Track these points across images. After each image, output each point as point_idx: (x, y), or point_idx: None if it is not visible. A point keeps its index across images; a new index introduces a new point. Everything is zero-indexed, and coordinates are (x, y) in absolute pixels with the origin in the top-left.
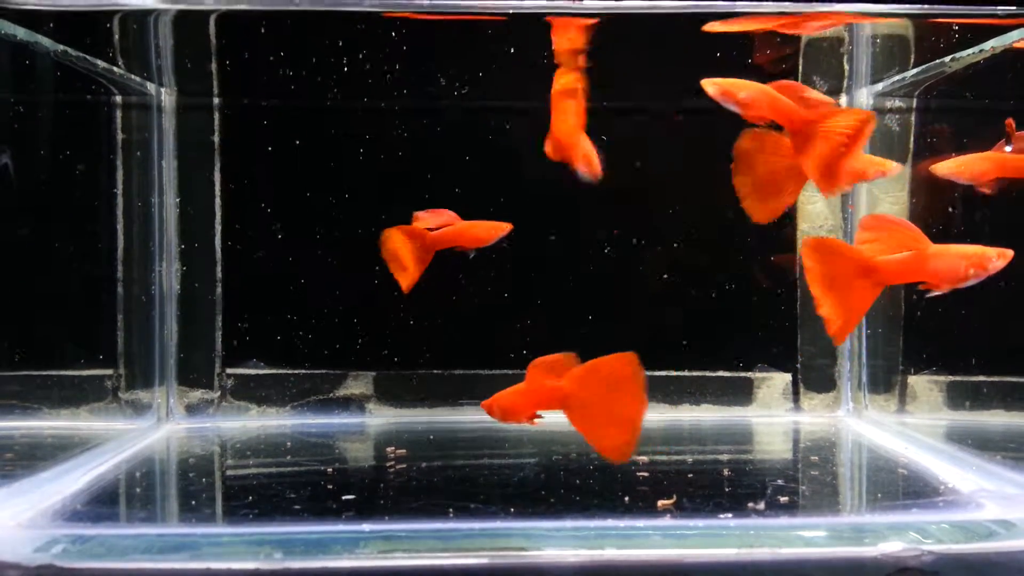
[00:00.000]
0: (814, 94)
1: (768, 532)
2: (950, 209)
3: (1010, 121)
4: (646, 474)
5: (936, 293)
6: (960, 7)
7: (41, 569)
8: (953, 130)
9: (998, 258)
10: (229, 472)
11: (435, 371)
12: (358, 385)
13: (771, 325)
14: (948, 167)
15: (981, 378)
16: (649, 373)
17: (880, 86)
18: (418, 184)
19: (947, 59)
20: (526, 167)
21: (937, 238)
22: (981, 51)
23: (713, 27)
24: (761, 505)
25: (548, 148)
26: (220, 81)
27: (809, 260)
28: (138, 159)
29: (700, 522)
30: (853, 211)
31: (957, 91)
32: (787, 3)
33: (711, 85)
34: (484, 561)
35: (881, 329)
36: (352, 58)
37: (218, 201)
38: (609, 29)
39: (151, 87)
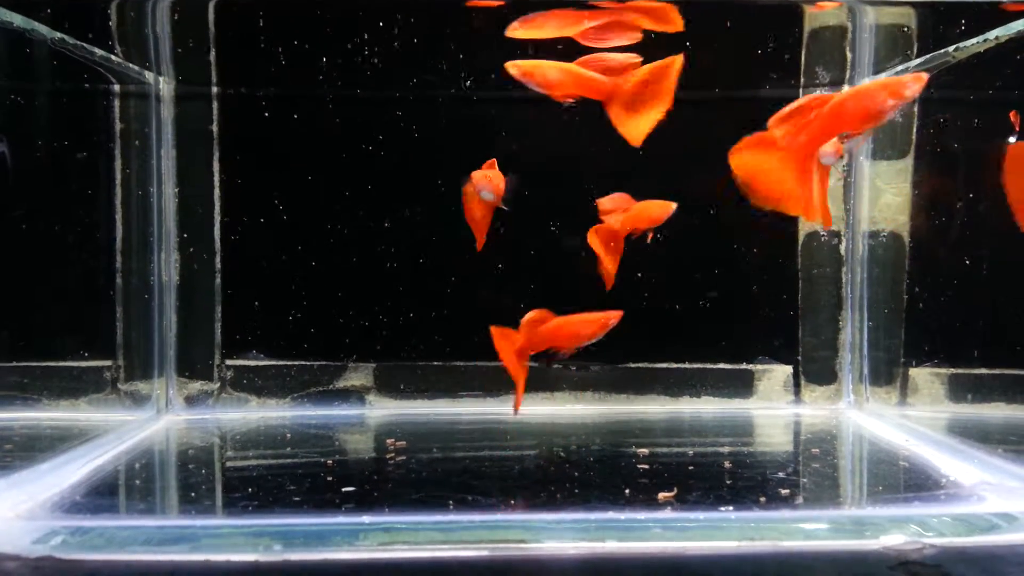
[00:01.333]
0: (617, 59)
1: (769, 524)
2: (954, 200)
3: (1014, 113)
4: (647, 466)
5: (858, 140)
6: None
7: (40, 561)
8: (957, 121)
9: (914, 81)
10: (229, 464)
11: (435, 363)
12: (358, 377)
13: (772, 317)
14: None
15: (983, 371)
16: (650, 365)
17: (883, 76)
18: (418, 173)
19: (951, 49)
20: (527, 158)
21: (941, 230)
22: (985, 40)
23: (515, 32)
24: (762, 498)
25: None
26: (219, 70)
27: (741, 168)
28: (137, 149)
29: (701, 514)
30: (855, 203)
31: (961, 81)
32: None
33: (513, 67)
34: (484, 553)
35: (882, 321)
36: (352, 46)
37: (217, 191)
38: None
39: (149, 76)
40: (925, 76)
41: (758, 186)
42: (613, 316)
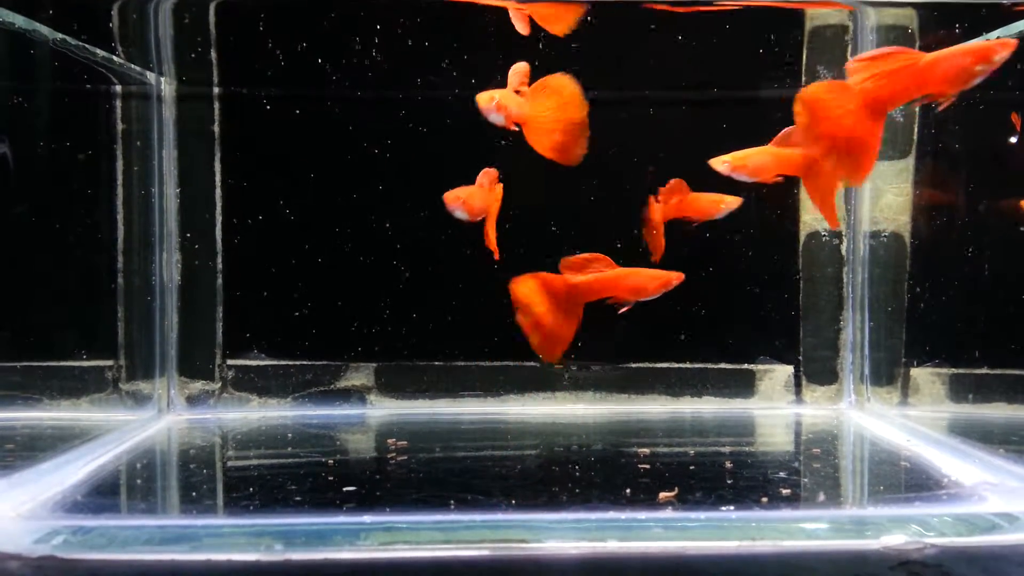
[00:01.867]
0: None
1: (770, 524)
2: (955, 200)
3: (1015, 115)
4: (648, 466)
5: (945, 103)
6: None
7: (42, 560)
8: (957, 121)
9: (1002, 47)
10: (230, 463)
11: (436, 363)
12: (359, 376)
13: (773, 317)
14: (726, 162)
15: (984, 371)
16: (651, 365)
17: None
18: (420, 173)
19: None
20: (530, 162)
21: (941, 230)
22: (986, 41)
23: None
24: (763, 498)
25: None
26: (220, 70)
27: (806, 108)
28: (138, 149)
29: (702, 514)
30: (856, 203)
31: None
32: None
33: (482, 96)
34: (485, 553)
35: (884, 321)
36: (353, 46)
37: (218, 191)
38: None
39: (151, 76)
40: (1014, 42)
41: (819, 130)
42: (675, 277)
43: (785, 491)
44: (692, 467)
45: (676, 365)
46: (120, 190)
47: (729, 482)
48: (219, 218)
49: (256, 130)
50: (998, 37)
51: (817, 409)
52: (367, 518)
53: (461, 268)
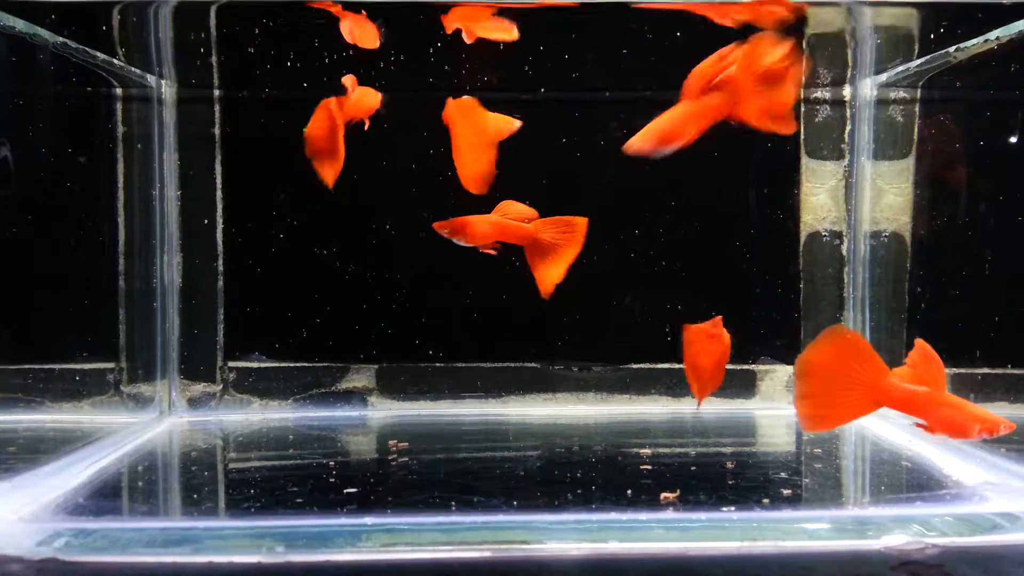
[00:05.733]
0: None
1: (771, 525)
2: (956, 200)
3: None
4: (649, 467)
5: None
6: None
7: (44, 563)
8: (958, 121)
9: (1005, 428)
10: (231, 465)
11: (437, 364)
12: (360, 378)
13: (774, 317)
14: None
15: (985, 370)
16: (652, 365)
17: (884, 76)
18: (421, 174)
19: (952, 49)
20: (526, 163)
21: (941, 231)
22: (986, 41)
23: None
24: (765, 498)
25: None
26: (221, 73)
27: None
28: (139, 152)
29: (703, 515)
30: (856, 203)
31: (962, 81)
32: None
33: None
34: (487, 554)
35: (884, 322)
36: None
37: (219, 193)
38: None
39: (151, 79)
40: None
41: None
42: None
43: (786, 491)
44: (693, 468)
45: (677, 365)
46: (121, 193)
47: (730, 483)
48: (220, 220)
49: (257, 132)
50: None
51: None
52: (368, 520)
53: (461, 269)
